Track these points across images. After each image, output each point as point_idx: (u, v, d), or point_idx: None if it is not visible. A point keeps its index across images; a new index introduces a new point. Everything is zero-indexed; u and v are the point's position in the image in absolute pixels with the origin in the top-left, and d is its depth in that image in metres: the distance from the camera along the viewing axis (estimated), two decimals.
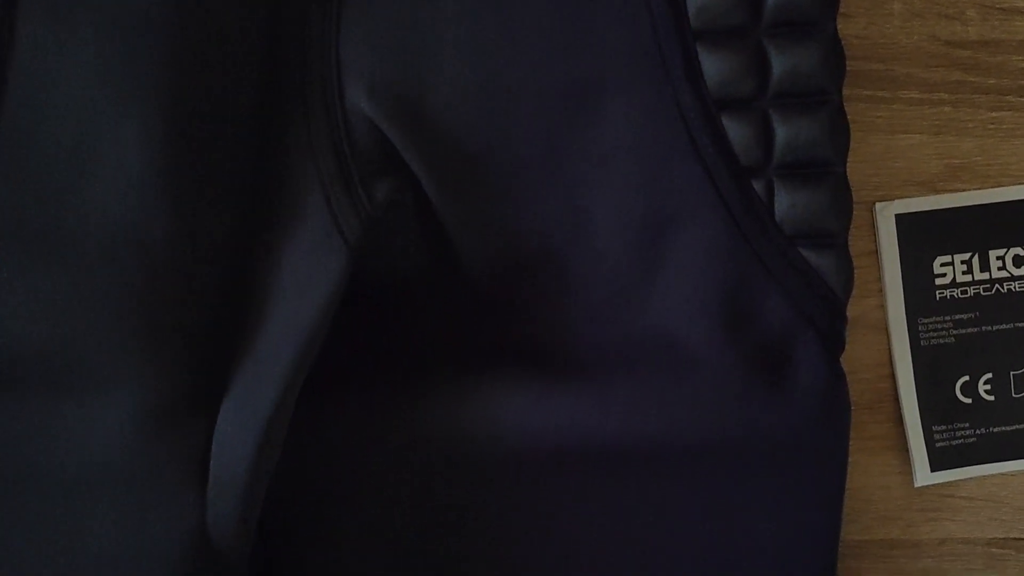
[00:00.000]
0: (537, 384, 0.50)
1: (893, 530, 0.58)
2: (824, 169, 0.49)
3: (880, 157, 0.58)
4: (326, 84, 0.47)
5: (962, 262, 0.58)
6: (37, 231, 0.44)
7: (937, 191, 0.58)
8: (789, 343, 0.50)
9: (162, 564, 0.46)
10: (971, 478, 0.58)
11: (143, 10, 0.43)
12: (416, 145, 0.48)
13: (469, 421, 0.49)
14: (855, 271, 0.50)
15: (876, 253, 0.58)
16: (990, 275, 0.58)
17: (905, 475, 0.58)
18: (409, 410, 0.50)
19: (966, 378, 0.58)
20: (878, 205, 0.58)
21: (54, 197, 0.44)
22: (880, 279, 0.58)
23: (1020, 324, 0.58)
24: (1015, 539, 0.59)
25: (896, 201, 0.58)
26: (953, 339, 0.58)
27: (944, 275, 0.58)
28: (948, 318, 0.58)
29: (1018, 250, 0.58)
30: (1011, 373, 0.58)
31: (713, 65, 0.48)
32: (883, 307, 0.58)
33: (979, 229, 0.58)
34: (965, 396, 0.58)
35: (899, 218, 0.57)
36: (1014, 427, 0.58)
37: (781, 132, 0.49)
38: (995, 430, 0.58)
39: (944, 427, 0.58)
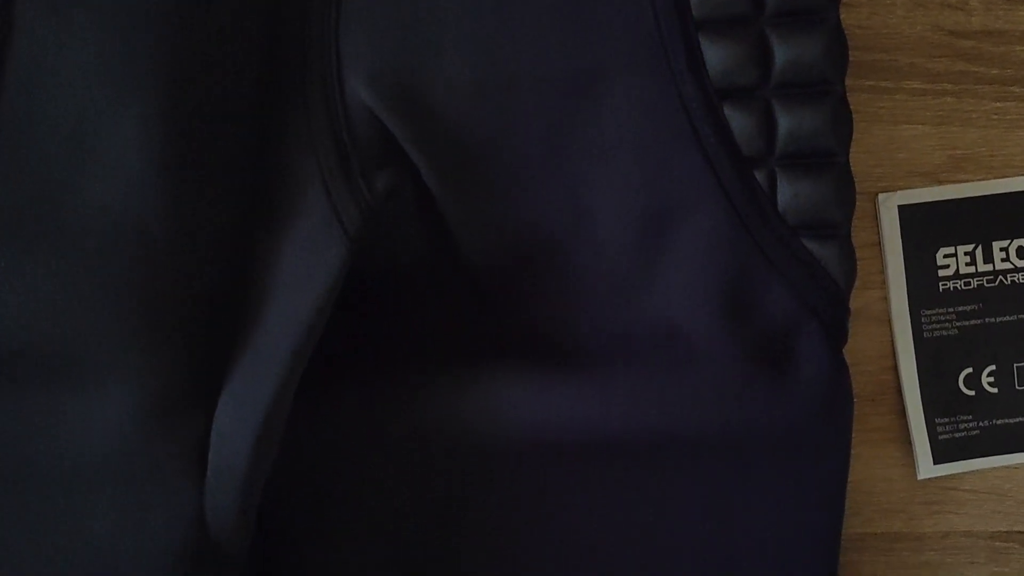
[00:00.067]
0: (537, 376, 0.49)
1: (896, 523, 0.58)
2: (827, 160, 0.49)
3: (883, 148, 0.58)
4: (326, 75, 0.47)
5: (965, 253, 0.57)
6: (35, 225, 0.44)
7: (940, 182, 0.58)
8: (792, 335, 0.50)
9: (161, 556, 0.46)
10: (974, 471, 0.58)
11: (142, 4, 0.43)
12: (416, 135, 0.48)
13: (469, 413, 0.49)
14: (858, 262, 0.50)
15: (879, 244, 0.58)
16: (993, 267, 0.57)
17: (908, 468, 0.58)
18: (409, 402, 0.50)
19: (969, 370, 0.57)
20: (881, 196, 0.57)
21: (52, 192, 0.44)
22: (883, 270, 0.58)
23: (1023, 316, 0.58)
24: (1019, 532, 0.58)
25: (899, 192, 0.57)
26: (956, 331, 0.57)
27: (947, 266, 0.57)
28: (951, 310, 0.57)
29: (1022, 241, 0.57)
30: (1015, 365, 0.57)
31: (715, 55, 0.48)
32: (886, 299, 0.58)
33: (982, 220, 0.57)
34: (968, 388, 0.57)
35: (902, 209, 0.57)
36: (1017, 419, 0.57)
37: (784, 122, 0.49)
38: (998, 422, 0.57)
39: (947, 419, 0.57)
